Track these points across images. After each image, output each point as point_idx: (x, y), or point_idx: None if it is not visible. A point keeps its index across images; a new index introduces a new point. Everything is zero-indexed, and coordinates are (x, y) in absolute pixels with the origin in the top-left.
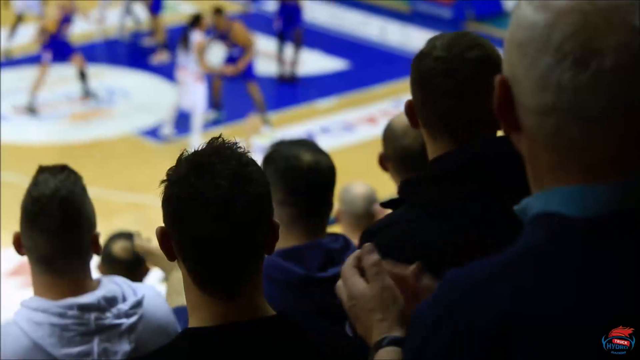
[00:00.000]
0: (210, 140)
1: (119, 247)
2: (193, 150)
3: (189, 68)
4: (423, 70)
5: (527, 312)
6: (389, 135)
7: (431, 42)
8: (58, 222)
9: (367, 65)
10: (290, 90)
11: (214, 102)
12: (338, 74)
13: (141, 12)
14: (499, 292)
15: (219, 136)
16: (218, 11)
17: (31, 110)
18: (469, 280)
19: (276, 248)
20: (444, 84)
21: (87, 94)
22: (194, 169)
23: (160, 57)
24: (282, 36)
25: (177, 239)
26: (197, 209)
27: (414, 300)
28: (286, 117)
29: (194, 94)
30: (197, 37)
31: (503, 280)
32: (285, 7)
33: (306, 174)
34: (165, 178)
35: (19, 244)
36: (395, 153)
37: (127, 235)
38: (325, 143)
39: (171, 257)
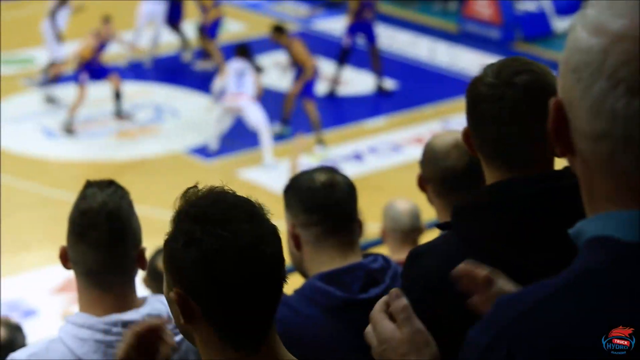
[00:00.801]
0: (187, 192)
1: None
2: (185, 205)
3: (244, 93)
4: (473, 96)
5: (581, 337)
6: (430, 156)
7: (484, 69)
8: (105, 235)
9: (415, 86)
10: (339, 109)
11: (283, 117)
12: (387, 94)
13: (189, 32)
14: (553, 317)
15: (194, 186)
16: (279, 29)
17: (68, 130)
18: (521, 305)
19: (311, 270)
20: (491, 110)
21: (120, 114)
22: (209, 222)
23: (204, 65)
24: (347, 54)
25: (203, 297)
26: (229, 260)
27: (485, 305)
28: (334, 137)
29: (254, 114)
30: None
31: (557, 304)
32: (358, 25)
33: (321, 190)
34: (174, 244)
35: (66, 258)
36: (436, 174)
37: None
38: (372, 163)
39: (188, 319)
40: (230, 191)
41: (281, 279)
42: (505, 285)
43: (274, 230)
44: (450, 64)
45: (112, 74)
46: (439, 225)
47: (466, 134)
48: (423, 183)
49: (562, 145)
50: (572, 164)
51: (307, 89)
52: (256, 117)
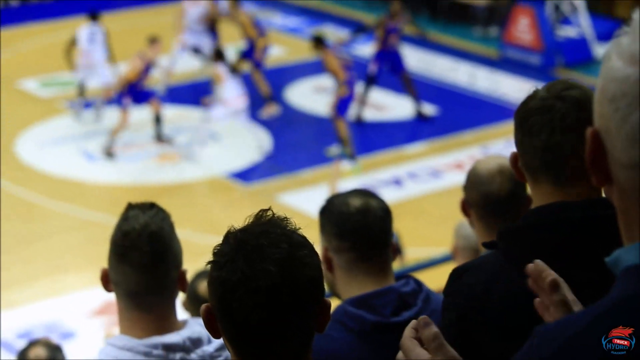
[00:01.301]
0: (258, 214)
1: (204, 287)
2: (241, 227)
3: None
4: (523, 112)
5: None
6: (472, 181)
7: (534, 90)
8: (147, 256)
9: (455, 111)
10: (379, 134)
11: (338, 138)
12: (426, 119)
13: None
14: (592, 346)
15: (268, 209)
16: (317, 39)
17: (109, 153)
18: (561, 335)
19: (344, 294)
20: (541, 120)
21: (160, 138)
22: (242, 252)
23: (269, 111)
24: (373, 80)
25: (223, 322)
26: (244, 296)
27: (546, 310)
28: (374, 162)
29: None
30: None
31: (596, 333)
32: (384, 52)
33: (355, 216)
34: (212, 257)
35: (107, 280)
36: (479, 199)
37: None
38: (412, 188)
39: (217, 335)
40: (291, 227)
41: (305, 325)
42: (568, 294)
43: (308, 278)
44: (490, 89)
45: (153, 97)
46: (485, 244)
47: (514, 157)
48: (466, 207)
49: (599, 174)
50: (608, 193)
51: (340, 106)
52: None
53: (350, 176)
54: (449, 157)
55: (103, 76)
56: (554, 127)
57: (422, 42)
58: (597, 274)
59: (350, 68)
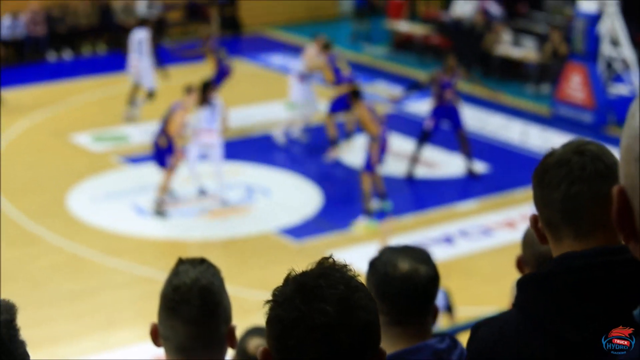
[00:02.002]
0: (320, 261)
1: (253, 344)
2: (302, 271)
3: (215, 129)
4: (541, 170)
5: None
6: (528, 240)
7: (550, 149)
8: (197, 310)
9: (507, 169)
10: (430, 191)
11: (379, 193)
12: (477, 177)
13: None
14: None
15: (330, 257)
16: (354, 93)
17: (159, 211)
18: None
19: None
20: (559, 172)
21: (211, 194)
22: (301, 292)
23: (333, 154)
24: (427, 136)
25: None
26: (301, 334)
27: None
28: (425, 219)
29: (221, 152)
30: None
31: None
32: (441, 108)
33: (398, 281)
34: (270, 297)
35: (156, 335)
36: (533, 258)
37: (263, 333)
38: (463, 246)
39: None
40: (350, 272)
41: None
42: None
43: (364, 321)
44: (542, 147)
45: (178, 152)
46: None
47: (534, 219)
48: (522, 264)
49: (626, 231)
50: (634, 250)
51: (369, 160)
52: (220, 156)
53: (364, 232)
54: (500, 215)
55: (148, 82)
56: (573, 178)
57: (476, 100)
58: (615, 324)
59: (384, 123)
